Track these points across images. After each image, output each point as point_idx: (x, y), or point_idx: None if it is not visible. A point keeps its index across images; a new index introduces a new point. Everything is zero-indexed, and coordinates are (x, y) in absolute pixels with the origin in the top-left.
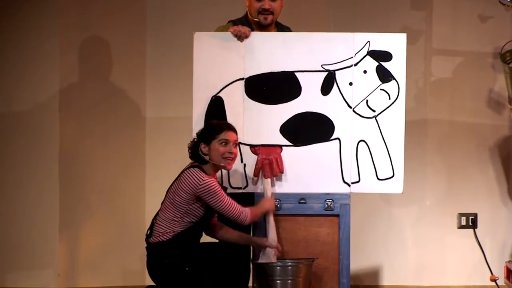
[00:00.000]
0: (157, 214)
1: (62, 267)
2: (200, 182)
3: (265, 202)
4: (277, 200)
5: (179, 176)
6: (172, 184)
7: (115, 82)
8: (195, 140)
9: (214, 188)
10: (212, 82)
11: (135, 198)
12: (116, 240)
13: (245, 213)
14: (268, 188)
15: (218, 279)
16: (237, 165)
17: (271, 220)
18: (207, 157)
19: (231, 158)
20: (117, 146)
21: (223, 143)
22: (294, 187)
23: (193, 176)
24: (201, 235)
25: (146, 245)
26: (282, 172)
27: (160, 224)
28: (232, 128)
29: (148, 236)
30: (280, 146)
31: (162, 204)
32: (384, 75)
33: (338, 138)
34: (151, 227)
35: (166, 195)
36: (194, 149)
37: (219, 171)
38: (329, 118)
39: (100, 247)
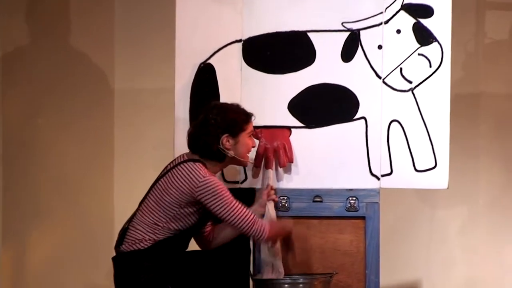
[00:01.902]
0: (133, 215)
1: (4, 283)
2: (200, 179)
3: (286, 222)
4: (285, 198)
5: (170, 169)
6: (159, 179)
7: (75, 45)
8: (216, 131)
9: (219, 188)
10: (200, 45)
11: (101, 195)
12: (77, 249)
13: (262, 224)
14: (272, 182)
15: None
16: None
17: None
18: (231, 153)
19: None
20: (78, 128)
21: (251, 135)
22: (307, 181)
23: (193, 171)
24: (188, 246)
25: (114, 254)
26: (292, 162)
27: (138, 229)
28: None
29: (118, 244)
30: (289, 128)
31: (142, 203)
32: (423, 36)
33: (364, 118)
34: (123, 233)
35: (149, 193)
36: (212, 143)
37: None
38: (352, 92)
39: (55, 258)
